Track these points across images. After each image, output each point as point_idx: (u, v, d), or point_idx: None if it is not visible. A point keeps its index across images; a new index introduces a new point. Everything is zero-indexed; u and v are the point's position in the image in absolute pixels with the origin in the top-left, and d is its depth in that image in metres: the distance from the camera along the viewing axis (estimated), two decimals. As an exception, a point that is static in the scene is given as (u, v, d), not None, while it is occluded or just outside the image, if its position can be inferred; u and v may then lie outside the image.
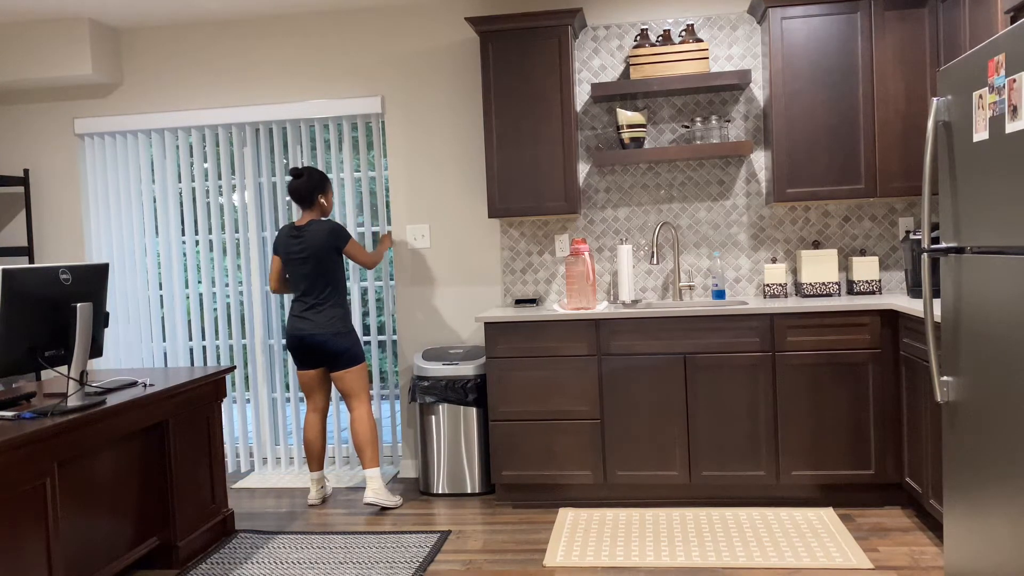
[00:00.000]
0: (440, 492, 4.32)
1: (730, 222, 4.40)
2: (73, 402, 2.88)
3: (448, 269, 4.65)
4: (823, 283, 4.15)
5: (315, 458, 4.30)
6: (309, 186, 4.09)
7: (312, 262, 4.05)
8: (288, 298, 4.81)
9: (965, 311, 2.55)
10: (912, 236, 3.91)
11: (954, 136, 2.61)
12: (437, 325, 4.68)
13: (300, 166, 4.44)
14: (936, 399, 2.74)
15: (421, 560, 3.40)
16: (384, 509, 4.12)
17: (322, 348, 4.07)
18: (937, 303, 3.36)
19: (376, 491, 4.08)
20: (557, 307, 4.20)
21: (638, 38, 4.26)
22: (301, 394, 4.93)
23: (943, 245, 2.69)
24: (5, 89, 4.89)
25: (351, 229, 4.77)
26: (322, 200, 4.14)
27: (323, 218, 4.16)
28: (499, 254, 4.60)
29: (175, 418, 3.46)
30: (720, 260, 4.39)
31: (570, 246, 3.83)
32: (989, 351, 2.39)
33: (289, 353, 4.41)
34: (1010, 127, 2.23)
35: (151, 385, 3.33)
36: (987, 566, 2.45)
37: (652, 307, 4.18)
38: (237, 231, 4.90)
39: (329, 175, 4.79)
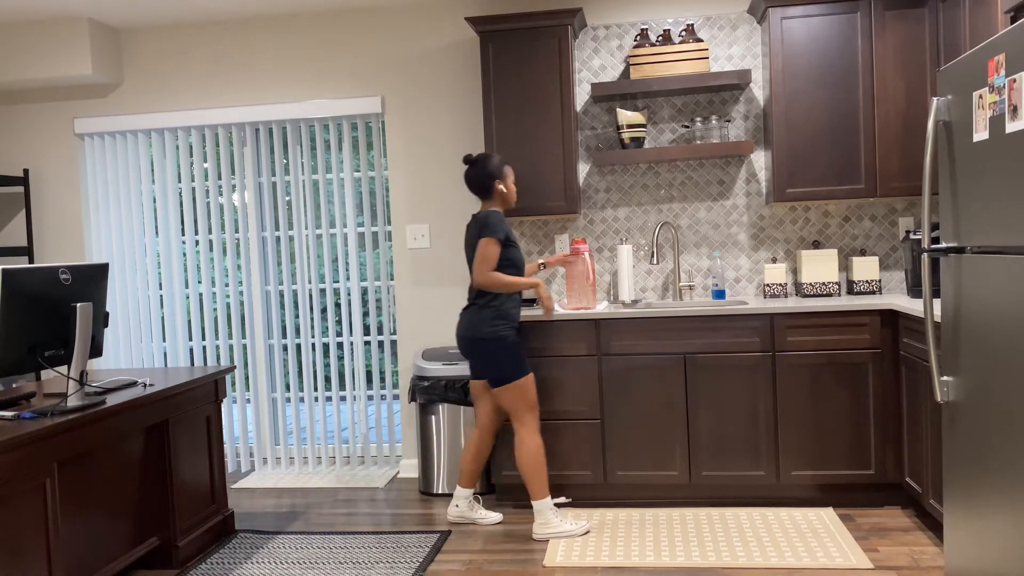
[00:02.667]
0: (440, 492, 4.31)
1: (730, 222, 4.40)
2: (73, 402, 2.88)
3: (448, 269, 4.65)
4: (823, 283, 4.14)
5: (463, 473, 3.85)
6: (482, 174, 3.65)
7: (469, 255, 3.70)
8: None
9: (965, 311, 2.55)
10: (912, 236, 3.91)
11: (954, 136, 2.61)
12: (437, 325, 4.68)
13: (473, 154, 3.90)
14: (936, 399, 2.74)
15: (421, 560, 3.40)
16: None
17: (467, 353, 3.70)
18: (937, 303, 3.36)
19: (544, 524, 3.60)
20: (557, 307, 4.19)
21: (638, 38, 4.26)
22: (301, 394, 4.93)
23: (943, 245, 2.69)
24: (5, 89, 4.89)
25: (350, 229, 4.76)
26: (500, 188, 3.65)
27: (492, 209, 3.67)
28: (499, 254, 4.59)
29: (175, 418, 3.46)
30: (720, 260, 4.39)
31: (570, 246, 3.78)
32: (989, 351, 2.39)
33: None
34: (1010, 127, 2.23)
35: (151, 385, 3.33)
36: (987, 566, 2.45)
37: (652, 307, 4.18)
38: (237, 231, 4.90)
39: (329, 175, 4.80)
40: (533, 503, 3.62)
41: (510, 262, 3.62)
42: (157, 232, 4.95)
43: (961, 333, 2.59)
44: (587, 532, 3.62)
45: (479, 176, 3.65)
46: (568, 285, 4.06)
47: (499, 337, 3.57)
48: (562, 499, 3.95)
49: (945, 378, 2.72)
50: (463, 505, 3.83)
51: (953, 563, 2.71)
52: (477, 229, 3.59)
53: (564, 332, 3.96)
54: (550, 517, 3.60)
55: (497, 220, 3.56)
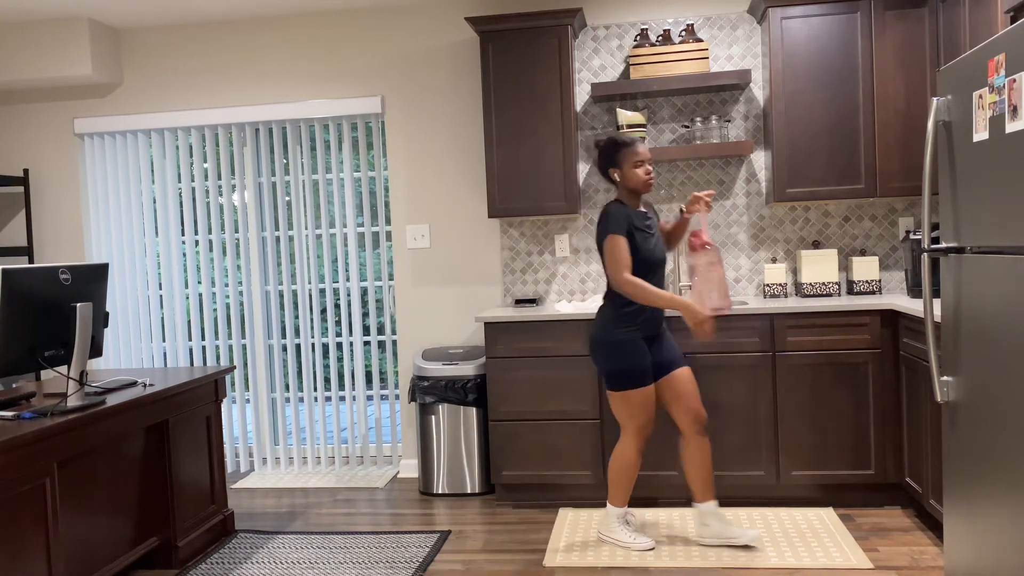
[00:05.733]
0: (440, 492, 4.31)
1: (730, 222, 4.40)
2: (73, 402, 2.87)
3: (448, 269, 4.65)
4: (823, 283, 4.14)
5: (693, 490, 3.44)
6: (599, 165, 3.40)
7: (597, 250, 3.45)
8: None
9: (965, 311, 2.55)
10: (912, 236, 3.91)
11: (954, 136, 2.61)
12: (437, 325, 4.68)
13: (602, 138, 3.52)
14: (936, 399, 2.74)
15: (421, 560, 3.40)
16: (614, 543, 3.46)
17: (590, 352, 3.44)
18: (937, 303, 3.36)
19: (607, 528, 3.47)
20: (567, 305, 4.19)
21: (638, 38, 4.26)
22: (301, 394, 4.93)
23: (943, 245, 2.69)
24: (5, 89, 4.89)
25: (350, 229, 4.76)
26: (615, 175, 3.35)
27: (614, 200, 3.38)
28: (499, 254, 4.60)
29: (175, 418, 3.46)
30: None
31: (690, 239, 3.29)
32: (989, 351, 2.39)
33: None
34: (1010, 127, 2.23)
35: (151, 385, 3.33)
36: (987, 566, 2.45)
37: (652, 307, 4.17)
38: (237, 231, 4.90)
39: (329, 175, 4.80)
40: (608, 504, 3.47)
41: (638, 254, 3.28)
42: (157, 232, 4.95)
43: (961, 333, 2.59)
44: (649, 549, 3.38)
45: (598, 166, 3.41)
46: (700, 283, 3.33)
47: (616, 341, 3.29)
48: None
49: (945, 378, 2.72)
50: (712, 523, 3.39)
51: (953, 563, 2.71)
52: (600, 226, 3.31)
53: (564, 332, 3.96)
54: (614, 525, 3.45)
55: (615, 212, 3.26)
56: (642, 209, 3.38)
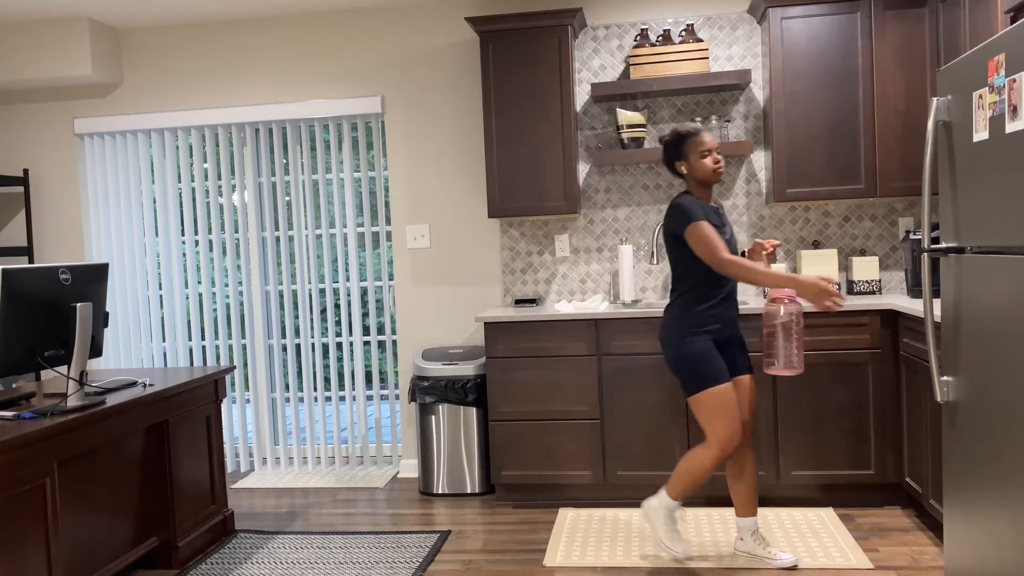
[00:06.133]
0: (440, 492, 4.31)
1: (730, 222, 4.40)
2: (73, 402, 2.88)
3: (448, 269, 4.65)
4: (823, 283, 4.14)
5: (735, 504, 3.28)
6: (665, 159, 3.22)
7: (666, 246, 3.19)
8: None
9: (965, 311, 2.55)
10: (912, 236, 3.91)
11: (954, 136, 2.61)
12: (437, 325, 4.68)
13: (667, 133, 3.26)
14: (936, 399, 2.74)
15: (421, 560, 3.40)
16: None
17: (664, 355, 3.22)
18: (937, 303, 3.36)
19: (654, 514, 3.23)
20: (558, 306, 4.19)
21: (638, 38, 4.26)
22: (301, 394, 4.93)
23: (943, 245, 2.69)
24: (5, 89, 4.89)
25: (350, 229, 4.76)
26: (682, 168, 3.17)
27: (684, 193, 3.15)
28: (499, 254, 4.60)
29: (175, 418, 3.46)
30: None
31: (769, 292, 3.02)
32: (990, 351, 2.39)
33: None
34: (1010, 127, 2.23)
35: (151, 385, 3.33)
36: (987, 566, 2.45)
37: (652, 307, 4.18)
38: (237, 231, 4.90)
39: (329, 175, 4.79)
40: (664, 490, 3.20)
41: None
42: (157, 232, 4.95)
43: (961, 333, 2.59)
44: (683, 559, 3.27)
45: (664, 161, 3.23)
46: (778, 340, 3.05)
47: (681, 342, 3.09)
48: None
49: (945, 378, 2.72)
50: (748, 539, 3.27)
51: (953, 563, 2.71)
52: (670, 220, 3.10)
53: (564, 332, 3.96)
54: (661, 516, 3.21)
55: (689, 203, 3.05)
56: (713, 204, 3.18)
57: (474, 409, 4.24)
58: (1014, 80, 2.19)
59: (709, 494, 3.92)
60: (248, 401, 5.01)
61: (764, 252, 3.18)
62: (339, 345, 4.85)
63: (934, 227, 3.97)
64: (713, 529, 3.60)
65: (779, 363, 3.02)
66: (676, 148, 3.15)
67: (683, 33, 4.24)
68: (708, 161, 3.11)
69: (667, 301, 4.36)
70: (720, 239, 3.00)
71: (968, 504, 2.58)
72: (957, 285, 2.61)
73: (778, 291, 3.01)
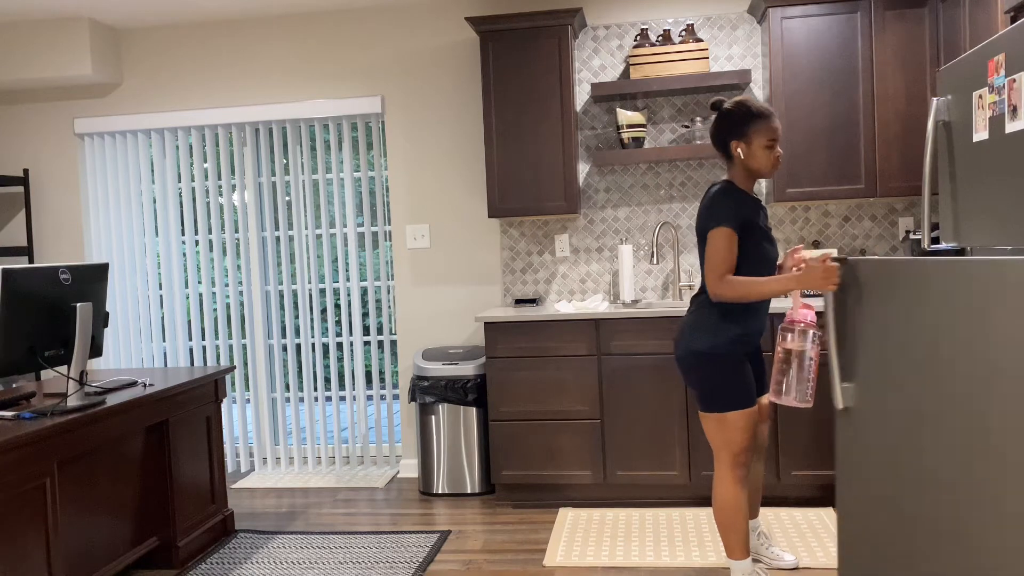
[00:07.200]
0: (440, 492, 4.31)
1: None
2: (73, 402, 2.88)
3: (448, 269, 4.65)
4: (823, 283, 4.14)
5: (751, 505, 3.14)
6: (717, 129, 2.76)
7: (698, 243, 2.78)
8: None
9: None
10: (912, 236, 3.91)
11: (954, 136, 2.61)
12: (437, 325, 4.68)
13: (725, 99, 2.83)
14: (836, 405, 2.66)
15: (421, 560, 3.40)
16: None
17: (677, 364, 2.87)
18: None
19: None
20: (558, 306, 4.19)
21: (638, 38, 4.26)
22: (301, 394, 4.93)
23: (943, 245, 2.69)
24: (5, 89, 4.89)
25: (350, 229, 4.75)
26: (737, 149, 2.72)
27: (726, 181, 2.75)
28: (499, 254, 4.60)
29: (175, 418, 3.46)
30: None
31: (790, 312, 2.68)
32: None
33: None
34: (1010, 127, 2.23)
35: (151, 385, 3.33)
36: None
37: (652, 307, 4.18)
38: (237, 231, 4.90)
39: (329, 175, 4.80)
40: (729, 559, 2.84)
41: (750, 257, 2.70)
42: (157, 232, 4.95)
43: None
44: (796, 563, 3.12)
45: (715, 130, 2.75)
46: (788, 366, 2.67)
47: (709, 353, 2.72)
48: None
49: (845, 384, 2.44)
50: (751, 539, 3.18)
51: (847, 571, 2.51)
52: (702, 212, 2.71)
53: (564, 332, 3.96)
54: (748, 570, 2.84)
55: (726, 200, 2.66)
56: (755, 196, 2.80)
57: (474, 409, 4.24)
58: (1014, 80, 2.20)
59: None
60: (248, 401, 5.01)
61: (795, 268, 2.81)
62: (339, 345, 4.85)
63: (934, 227, 3.97)
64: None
65: (791, 394, 2.66)
66: (739, 126, 2.70)
67: (683, 33, 4.24)
68: (771, 153, 2.71)
69: (667, 301, 4.36)
70: (732, 258, 2.64)
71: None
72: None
73: (798, 313, 2.67)
